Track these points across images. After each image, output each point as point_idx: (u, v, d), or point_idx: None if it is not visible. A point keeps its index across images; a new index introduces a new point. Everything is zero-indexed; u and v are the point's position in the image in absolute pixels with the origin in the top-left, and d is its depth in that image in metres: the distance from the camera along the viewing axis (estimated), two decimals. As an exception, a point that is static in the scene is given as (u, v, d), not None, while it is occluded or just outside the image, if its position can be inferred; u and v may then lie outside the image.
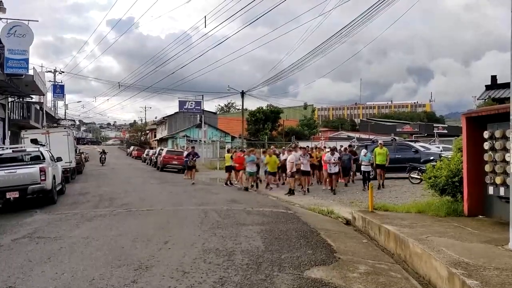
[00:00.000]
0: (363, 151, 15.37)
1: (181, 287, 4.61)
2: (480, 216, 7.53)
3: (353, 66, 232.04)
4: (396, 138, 27.89)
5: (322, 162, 15.49)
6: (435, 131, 51.29)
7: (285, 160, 15.27)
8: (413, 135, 49.32)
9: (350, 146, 18.72)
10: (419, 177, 14.57)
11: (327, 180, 14.92)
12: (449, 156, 9.59)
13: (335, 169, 14.37)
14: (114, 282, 4.81)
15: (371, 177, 14.80)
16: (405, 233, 6.33)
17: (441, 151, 18.31)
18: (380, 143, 15.56)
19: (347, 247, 6.66)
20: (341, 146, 20.26)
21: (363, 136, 55.01)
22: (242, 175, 16.86)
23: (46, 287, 4.78)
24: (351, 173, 16.84)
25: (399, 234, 6.33)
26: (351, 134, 61.59)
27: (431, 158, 15.70)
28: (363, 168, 14.81)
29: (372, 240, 7.40)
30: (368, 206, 9.16)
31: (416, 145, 19.14)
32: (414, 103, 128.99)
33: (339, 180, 15.66)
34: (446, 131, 57.21)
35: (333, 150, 14.97)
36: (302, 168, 14.28)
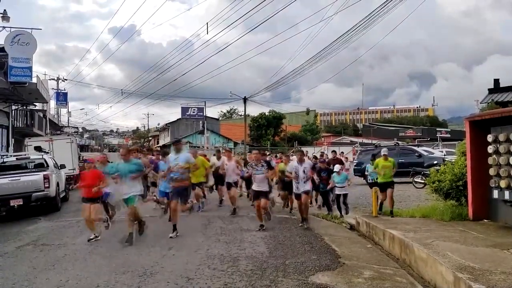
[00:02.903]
0: (336, 166, 10.37)
1: (186, 293, 4.60)
2: (485, 220, 7.48)
3: (355, 72, 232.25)
4: (399, 142, 27.83)
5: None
6: (438, 135, 51.34)
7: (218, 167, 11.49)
8: (416, 140, 49.25)
9: (333, 151, 15.24)
10: (422, 181, 14.52)
11: (293, 202, 9.86)
12: (453, 160, 9.56)
13: (305, 186, 8.61)
14: (119, 289, 4.81)
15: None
16: (409, 238, 6.29)
17: (444, 155, 18.28)
18: (384, 154, 10.05)
19: (352, 252, 6.63)
20: (323, 152, 16.88)
21: (365, 141, 54.98)
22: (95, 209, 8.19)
23: (50, 294, 4.79)
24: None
25: (404, 239, 6.30)
26: (354, 139, 61.57)
27: (435, 162, 15.66)
28: (337, 191, 10.22)
29: (377, 245, 7.36)
30: (372, 211, 9.14)
31: (420, 150, 19.12)
32: (417, 107, 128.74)
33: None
34: (449, 135, 57.21)
35: (301, 155, 9.05)
36: (254, 187, 8.79)
